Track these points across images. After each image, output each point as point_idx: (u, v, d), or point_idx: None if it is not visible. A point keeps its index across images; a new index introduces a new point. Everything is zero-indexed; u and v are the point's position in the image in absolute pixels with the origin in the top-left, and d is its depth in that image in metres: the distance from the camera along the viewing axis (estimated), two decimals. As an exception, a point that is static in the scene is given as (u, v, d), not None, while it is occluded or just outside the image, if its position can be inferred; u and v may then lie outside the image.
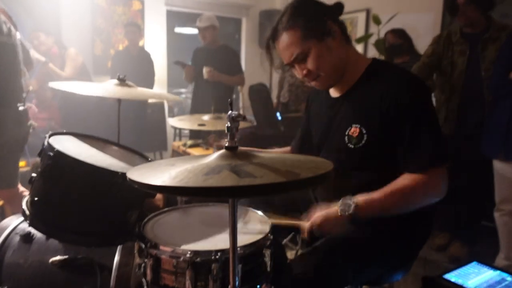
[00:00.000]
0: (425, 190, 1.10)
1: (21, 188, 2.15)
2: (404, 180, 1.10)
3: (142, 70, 3.79)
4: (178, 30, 5.70)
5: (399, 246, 1.22)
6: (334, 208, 1.11)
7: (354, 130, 1.17)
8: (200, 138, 3.19)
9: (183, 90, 5.74)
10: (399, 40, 2.96)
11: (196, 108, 3.49)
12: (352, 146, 1.18)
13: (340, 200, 1.11)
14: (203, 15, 3.43)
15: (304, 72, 1.18)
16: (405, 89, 1.12)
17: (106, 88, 1.60)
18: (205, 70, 3.27)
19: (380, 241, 1.17)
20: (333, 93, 1.28)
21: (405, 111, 1.10)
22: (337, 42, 1.17)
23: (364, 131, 1.15)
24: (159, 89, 4.57)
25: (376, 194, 1.10)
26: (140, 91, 1.68)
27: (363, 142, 1.15)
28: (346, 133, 1.19)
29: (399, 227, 1.18)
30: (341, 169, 1.11)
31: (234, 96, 3.92)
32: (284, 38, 1.15)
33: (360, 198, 1.10)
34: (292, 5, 1.16)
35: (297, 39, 1.13)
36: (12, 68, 1.96)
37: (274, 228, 1.08)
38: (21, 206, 1.20)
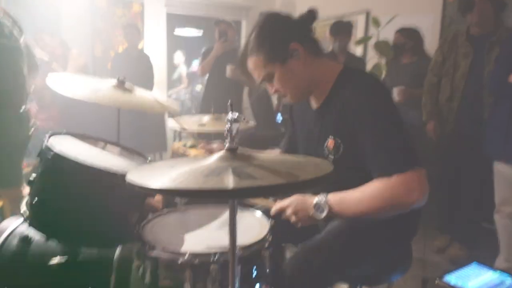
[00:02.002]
0: (392, 194, 1.05)
1: (26, 188, 2.16)
2: (374, 184, 1.09)
3: (142, 73, 3.79)
4: (178, 32, 5.71)
5: (389, 242, 1.22)
6: (308, 203, 1.14)
7: (330, 142, 1.20)
8: (199, 139, 3.18)
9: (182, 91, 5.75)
10: (402, 40, 2.95)
11: (207, 105, 3.50)
12: (332, 157, 1.20)
13: (315, 200, 1.12)
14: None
15: (273, 90, 1.24)
16: (360, 97, 1.12)
17: (105, 93, 1.58)
18: (229, 68, 3.29)
19: (370, 238, 1.18)
20: (313, 103, 1.30)
21: (363, 119, 1.11)
22: (302, 62, 1.18)
23: (339, 142, 1.18)
24: (159, 91, 4.57)
25: (348, 197, 1.11)
26: (139, 100, 1.66)
27: (340, 153, 1.18)
28: (325, 145, 1.21)
29: (386, 224, 1.17)
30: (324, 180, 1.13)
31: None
32: (251, 61, 1.21)
33: (334, 200, 1.11)
34: (259, 26, 1.19)
35: (261, 63, 1.18)
36: (15, 71, 1.97)
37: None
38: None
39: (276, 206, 1.19)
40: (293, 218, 1.16)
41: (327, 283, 1.20)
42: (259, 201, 1.23)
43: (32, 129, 2.10)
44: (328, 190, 1.15)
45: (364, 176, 1.12)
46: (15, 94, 1.97)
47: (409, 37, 2.94)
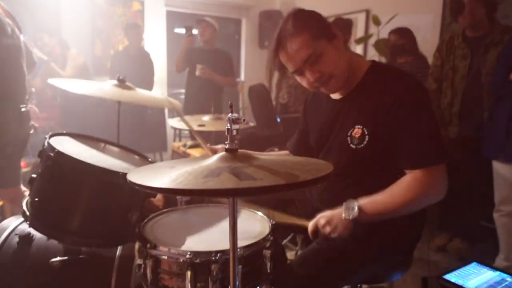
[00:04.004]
0: (426, 189, 1.10)
1: (23, 188, 2.17)
2: (405, 180, 1.12)
3: (142, 70, 3.79)
4: (178, 30, 5.70)
5: (396, 243, 1.23)
6: (338, 211, 1.12)
7: (356, 130, 1.18)
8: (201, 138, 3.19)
9: (182, 90, 5.73)
10: (401, 40, 2.95)
11: (187, 108, 3.55)
12: (354, 147, 1.19)
13: (344, 204, 1.12)
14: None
15: (317, 75, 1.15)
16: (404, 89, 1.13)
17: (107, 89, 1.60)
18: (198, 67, 3.39)
19: (377, 239, 1.18)
20: (334, 95, 1.29)
21: (405, 111, 1.12)
22: (341, 44, 1.19)
23: (366, 132, 1.16)
24: (159, 89, 4.57)
25: (379, 197, 1.11)
26: (140, 95, 1.68)
27: (364, 142, 1.17)
28: (349, 134, 1.20)
29: (394, 225, 1.18)
30: (340, 169, 1.12)
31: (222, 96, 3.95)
32: (294, 43, 1.13)
33: (363, 201, 1.11)
34: (293, 14, 1.17)
35: (308, 40, 1.12)
36: (16, 70, 1.97)
37: (276, 227, 1.08)
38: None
39: (311, 224, 1.16)
40: (328, 229, 1.12)
41: (333, 285, 1.18)
42: (292, 220, 1.21)
43: (32, 129, 2.10)
44: (341, 186, 1.15)
45: (380, 173, 1.15)
46: (17, 93, 1.98)
47: (405, 37, 2.95)
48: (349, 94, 1.24)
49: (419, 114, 1.12)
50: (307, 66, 1.15)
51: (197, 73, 3.41)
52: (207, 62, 3.44)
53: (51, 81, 1.55)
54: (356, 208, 1.09)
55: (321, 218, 1.14)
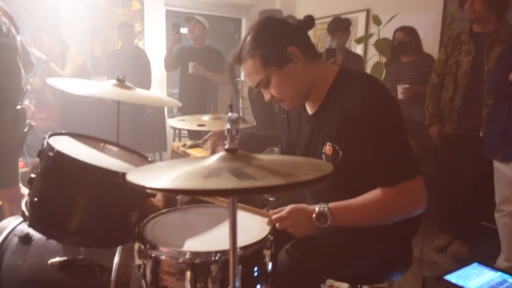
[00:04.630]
0: (396, 204, 1.07)
1: (23, 188, 2.16)
2: (376, 192, 1.09)
3: (139, 69, 3.78)
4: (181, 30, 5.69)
5: (388, 242, 1.21)
6: (307, 214, 1.10)
7: (328, 148, 1.17)
8: (199, 138, 3.19)
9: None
10: (407, 38, 2.94)
11: (182, 107, 3.55)
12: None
13: (316, 209, 1.09)
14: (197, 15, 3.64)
15: (269, 96, 1.20)
16: (358, 104, 1.09)
17: (106, 89, 1.60)
18: (190, 65, 3.41)
19: (366, 236, 1.16)
20: (309, 109, 1.28)
21: (362, 128, 1.08)
22: (299, 66, 1.15)
23: (338, 148, 1.15)
24: (158, 89, 4.57)
25: (353, 206, 1.09)
26: (139, 94, 1.68)
27: (339, 159, 1.14)
28: (323, 151, 1.18)
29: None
30: (323, 185, 1.11)
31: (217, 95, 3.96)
32: (247, 65, 1.15)
33: (337, 209, 1.09)
34: (255, 29, 1.16)
35: (258, 67, 1.13)
36: (11, 69, 1.97)
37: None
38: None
39: (273, 218, 1.12)
40: (290, 229, 1.11)
41: (318, 281, 1.18)
42: (255, 211, 1.17)
43: (27, 127, 2.09)
44: (327, 197, 1.12)
45: (364, 183, 1.11)
46: (12, 92, 1.97)
47: (411, 35, 2.94)
48: (318, 109, 1.22)
49: (379, 133, 1.07)
50: (260, 87, 1.19)
51: (190, 71, 3.43)
52: (199, 60, 3.46)
53: (50, 81, 1.54)
54: (329, 220, 1.07)
55: (286, 219, 1.10)
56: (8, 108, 1.95)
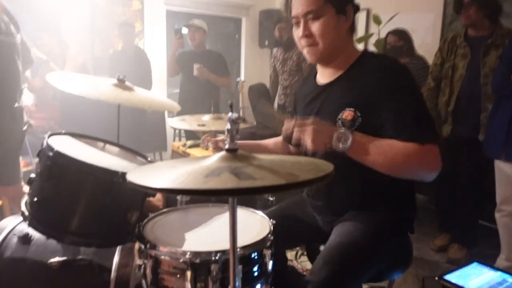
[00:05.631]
0: (421, 158, 1.07)
1: (25, 187, 2.16)
2: (404, 142, 1.08)
3: (139, 70, 3.79)
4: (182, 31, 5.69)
5: (389, 239, 1.21)
6: (331, 130, 1.07)
7: (348, 113, 1.16)
8: (197, 138, 3.19)
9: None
10: (400, 42, 2.95)
11: (181, 109, 3.57)
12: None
13: (340, 129, 1.07)
14: (196, 19, 3.64)
15: (306, 33, 1.18)
16: (391, 70, 1.15)
17: (106, 91, 1.58)
18: (195, 67, 3.42)
19: (377, 235, 1.17)
20: (322, 79, 1.29)
21: (394, 93, 1.11)
22: (346, 26, 1.21)
23: (358, 114, 1.15)
24: (159, 89, 4.57)
25: (375, 142, 1.08)
26: (139, 97, 1.66)
27: (356, 125, 1.15)
28: (339, 117, 1.18)
29: (386, 219, 1.20)
30: (331, 153, 1.09)
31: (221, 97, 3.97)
32: None
33: (359, 138, 1.07)
34: None
35: None
36: (8, 66, 1.97)
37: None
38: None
39: (289, 125, 1.08)
40: (307, 136, 1.04)
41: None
42: (269, 110, 1.15)
43: (26, 125, 2.10)
44: (341, 162, 1.07)
45: None
46: (9, 89, 1.97)
47: (403, 38, 2.95)
48: (338, 78, 1.24)
49: (404, 96, 1.11)
50: (304, 19, 1.18)
51: (195, 72, 3.43)
52: (202, 64, 3.49)
53: (49, 76, 1.54)
54: (349, 142, 1.05)
55: (312, 123, 1.05)
56: (4, 105, 1.95)
